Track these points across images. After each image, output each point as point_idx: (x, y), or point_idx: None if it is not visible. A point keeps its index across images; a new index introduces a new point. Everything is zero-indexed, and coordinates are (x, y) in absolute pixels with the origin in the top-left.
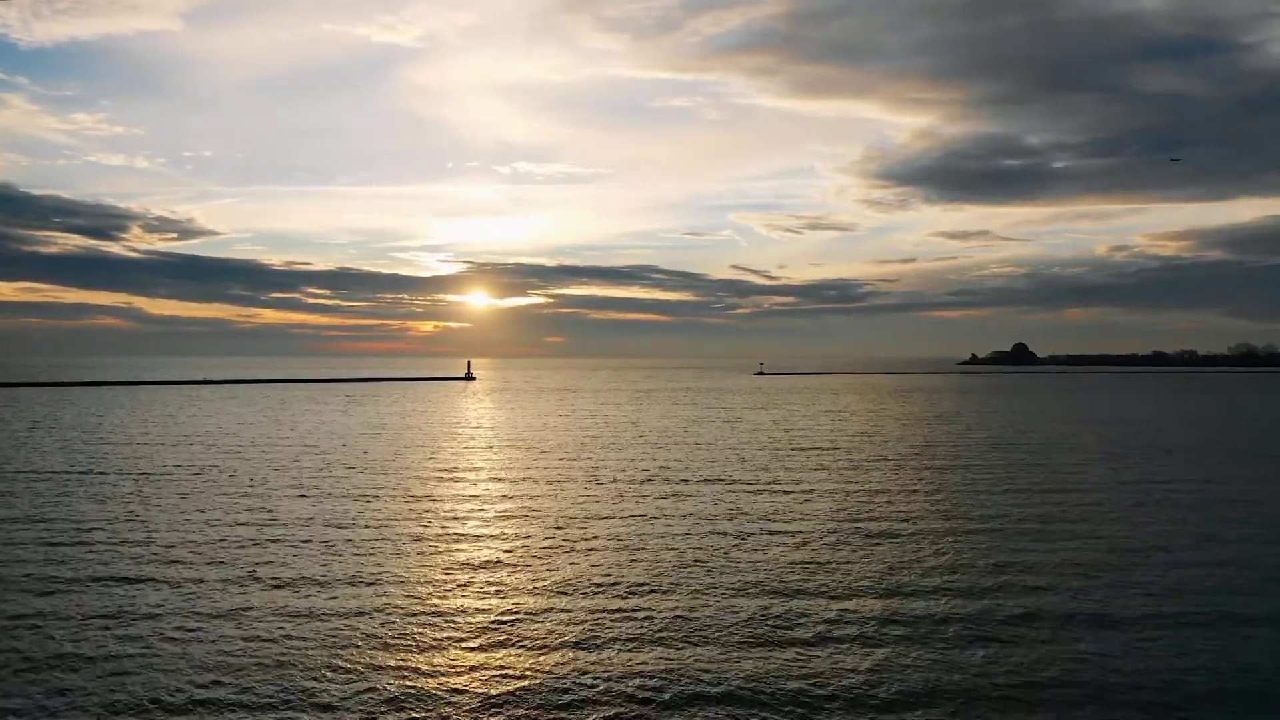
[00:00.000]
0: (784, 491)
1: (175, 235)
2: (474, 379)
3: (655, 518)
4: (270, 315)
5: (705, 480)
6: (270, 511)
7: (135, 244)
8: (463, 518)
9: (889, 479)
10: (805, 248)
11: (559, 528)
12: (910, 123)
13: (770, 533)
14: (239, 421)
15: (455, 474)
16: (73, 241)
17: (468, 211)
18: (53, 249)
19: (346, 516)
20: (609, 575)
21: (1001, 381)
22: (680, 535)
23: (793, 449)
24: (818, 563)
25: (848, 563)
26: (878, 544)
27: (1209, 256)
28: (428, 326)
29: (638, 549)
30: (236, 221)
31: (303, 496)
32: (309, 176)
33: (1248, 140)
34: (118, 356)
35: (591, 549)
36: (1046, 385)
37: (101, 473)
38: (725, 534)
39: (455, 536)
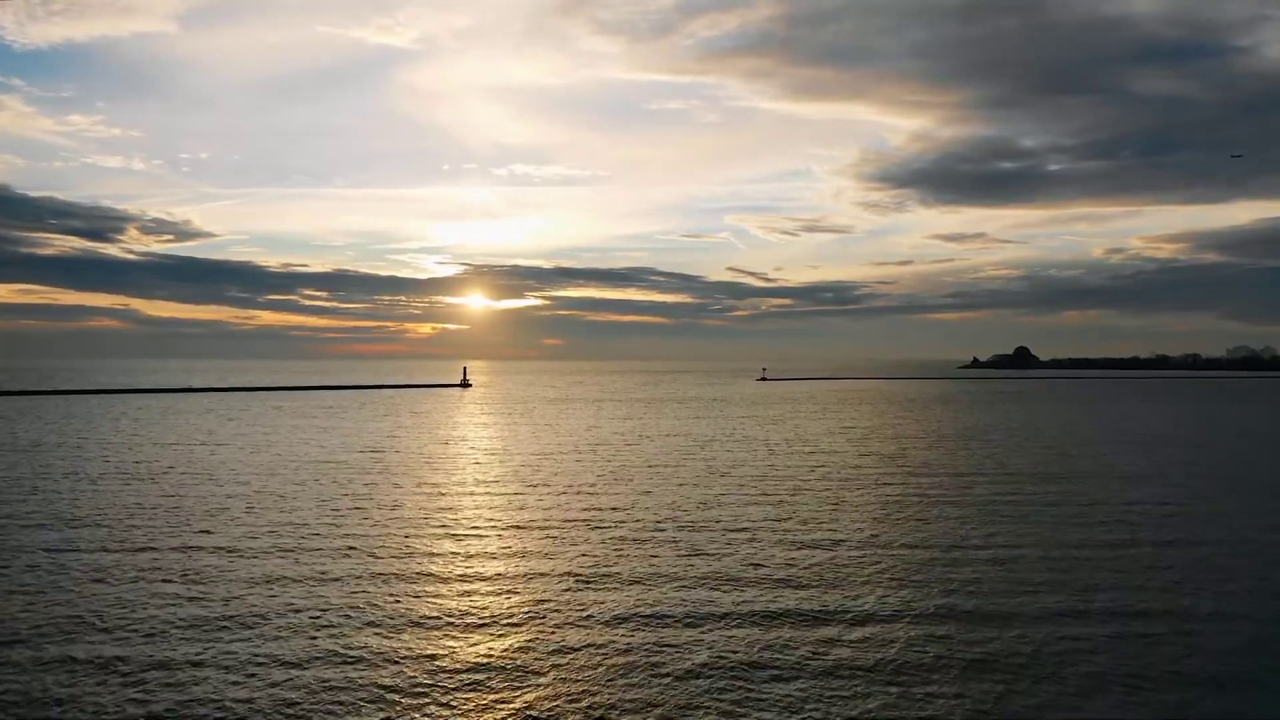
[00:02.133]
0: (819, 536)
1: (172, 237)
2: (470, 386)
3: (672, 576)
4: (267, 317)
5: (733, 526)
6: (205, 587)
7: (132, 246)
8: (442, 570)
9: (947, 529)
10: (802, 250)
11: (558, 583)
12: (906, 125)
13: (816, 600)
14: (203, 441)
15: (436, 518)
16: (69, 243)
17: (465, 213)
18: (49, 250)
19: (300, 577)
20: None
21: (1009, 387)
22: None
23: (820, 476)
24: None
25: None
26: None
27: (1205, 259)
28: (425, 328)
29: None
30: (233, 223)
31: (250, 548)
32: (306, 178)
33: (1243, 143)
34: (114, 359)
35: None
36: (1057, 392)
37: (35, 511)
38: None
39: (436, 593)
